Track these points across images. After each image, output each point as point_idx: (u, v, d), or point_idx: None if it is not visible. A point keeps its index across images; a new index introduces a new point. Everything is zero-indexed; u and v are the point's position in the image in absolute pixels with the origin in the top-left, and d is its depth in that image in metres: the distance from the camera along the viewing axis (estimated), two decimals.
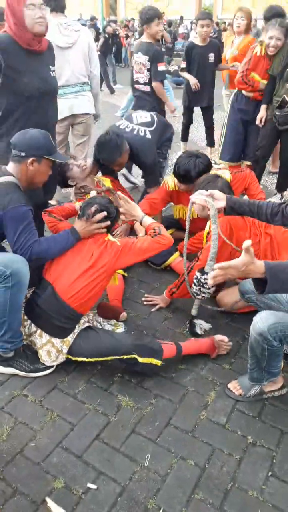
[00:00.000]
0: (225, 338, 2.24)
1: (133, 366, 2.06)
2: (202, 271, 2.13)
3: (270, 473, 1.67)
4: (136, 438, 1.81)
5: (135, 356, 2.01)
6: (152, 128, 3.16)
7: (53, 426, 1.86)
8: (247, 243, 1.40)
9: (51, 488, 1.62)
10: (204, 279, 2.12)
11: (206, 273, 2.10)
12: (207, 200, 1.95)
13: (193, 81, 4.69)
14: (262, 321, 1.72)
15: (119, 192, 2.36)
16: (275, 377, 1.92)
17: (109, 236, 2.16)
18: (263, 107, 3.74)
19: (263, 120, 3.74)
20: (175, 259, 2.93)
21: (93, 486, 1.63)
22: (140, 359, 2.01)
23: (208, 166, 2.72)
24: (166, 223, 3.31)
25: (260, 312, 1.79)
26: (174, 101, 7.21)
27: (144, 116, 3.24)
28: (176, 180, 2.81)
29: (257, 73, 3.74)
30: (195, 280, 2.16)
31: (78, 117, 3.67)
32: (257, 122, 3.79)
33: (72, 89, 3.52)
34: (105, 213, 2.12)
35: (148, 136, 3.11)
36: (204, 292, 2.18)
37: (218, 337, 2.24)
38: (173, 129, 3.51)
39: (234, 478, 1.66)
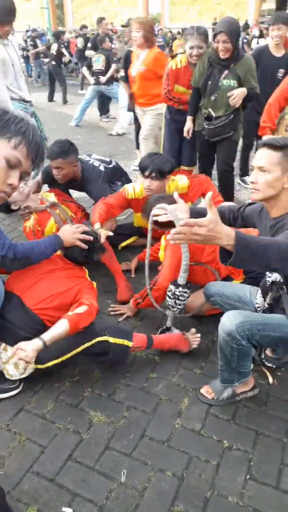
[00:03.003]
0: (193, 329, 2.26)
1: (104, 355, 2.01)
2: (176, 284, 2.11)
3: (248, 476, 1.66)
4: (110, 454, 1.75)
5: (106, 337, 1.98)
6: (107, 165, 3.28)
7: (22, 450, 1.77)
8: (208, 196, 1.36)
9: None
10: (179, 291, 2.10)
11: (181, 285, 2.08)
12: (170, 214, 1.93)
13: None
14: (229, 320, 1.72)
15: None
16: (245, 378, 1.91)
17: (87, 274, 2.27)
18: (188, 119, 3.60)
19: (190, 131, 3.62)
20: (134, 241, 3.25)
21: (69, 510, 1.55)
22: (112, 339, 1.99)
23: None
24: (128, 230, 3.30)
25: (227, 312, 1.78)
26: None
27: (104, 157, 3.41)
28: (146, 182, 2.73)
29: (181, 85, 3.62)
30: (169, 293, 2.13)
31: None
32: (184, 134, 3.66)
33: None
34: (91, 238, 2.24)
35: (101, 168, 3.20)
36: (179, 305, 2.17)
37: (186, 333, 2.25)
38: (127, 178, 3.53)
39: (213, 485, 1.63)
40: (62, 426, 1.87)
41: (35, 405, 1.97)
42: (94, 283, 2.25)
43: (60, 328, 1.89)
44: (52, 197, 3.03)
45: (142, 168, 2.72)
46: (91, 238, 2.27)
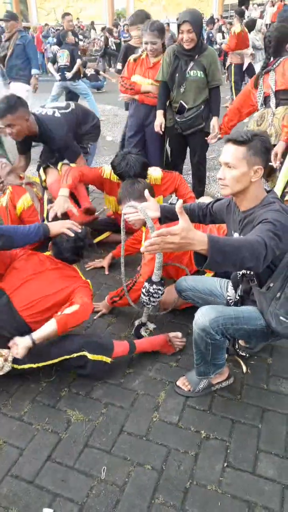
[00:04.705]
0: (179, 334, 2.26)
1: (82, 368, 2.01)
2: (150, 281, 2.12)
3: (226, 464, 1.70)
4: (90, 452, 1.75)
5: (85, 353, 1.96)
6: (63, 111, 3.20)
7: (0, 454, 1.74)
8: (178, 203, 1.37)
9: None
10: (153, 289, 2.11)
11: (155, 283, 2.10)
12: (141, 213, 1.94)
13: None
14: (203, 316, 1.75)
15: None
16: (220, 369, 1.95)
17: (81, 273, 2.25)
18: (159, 113, 3.49)
19: (162, 126, 3.50)
20: (107, 236, 3.26)
21: (49, 511, 1.54)
22: (90, 356, 1.97)
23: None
24: (102, 226, 3.29)
25: (200, 307, 1.81)
26: (96, 106, 7.18)
27: (61, 103, 3.36)
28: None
29: (138, 74, 3.58)
30: (143, 290, 2.15)
31: None
32: (157, 129, 3.51)
33: None
34: (78, 229, 2.22)
35: (57, 115, 3.11)
36: (154, 302, 2.18)
37: (172, 334, 2.25)
38: (97, 118, 3.48)
39: (192, 476, 1.66)
40: (40, 427, 1.86)
41: (12, 408, 1.95)
42: (89, 281, 2.22)
43: (49, 327, 1.89)
44: (35, 179, 3.05)
45: (120, 176, 2.75)
46: (79, 229, 2.23)
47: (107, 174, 2.95)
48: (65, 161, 3.16)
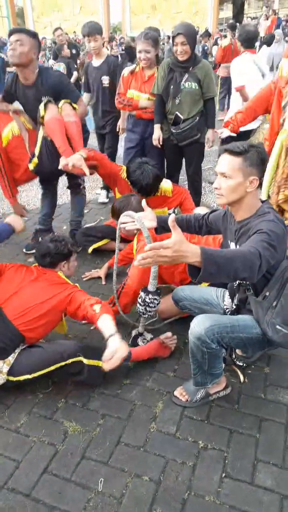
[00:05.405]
0: (169, 334, 2.28)
1: (78, 375, 2.00)
2: (146, 291, 2.13)
3: (224, 474, 1.69)
4: (87, 464, 1.74)
5: (81, 358, 1.96)
6: None
7: None
8: (171, 217, 1.38)
9: None
10: (149, 298, 2.12)
11: (151, 292, 2.10)
12: (137, 223, 1.95)
13: None
14: (198, 325, 1.75)
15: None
16: (218, 378, 1.95)
17: (68, 280, 2.25)
18: (156, 127, 3.55)
19: (160, 140, 3.57)
20: (105, 243, 3.24)
21: None
22: (86, 361, 1.97)
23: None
24: (100, 233, 3.31)
25: (196, 316, 1.81)
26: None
27: None
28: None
29: (133, 88, 3.60)
30: (139, 300, 2.15)
31: None
32: (155, 143, 3.59)
33: None
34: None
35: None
36: (150, 311, 2.19)
37: (162, 336, 2.26)
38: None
39: (190, 486, 1.65)
40: (37, 439, 1.84)
41: (8, 420, 1.94)
42: (78, 285, 2.23)
43: (109, 320, 1.93)
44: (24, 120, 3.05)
45: (132, 183, 2.82)
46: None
47: (125, 175, 3.00)
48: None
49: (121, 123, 4.11)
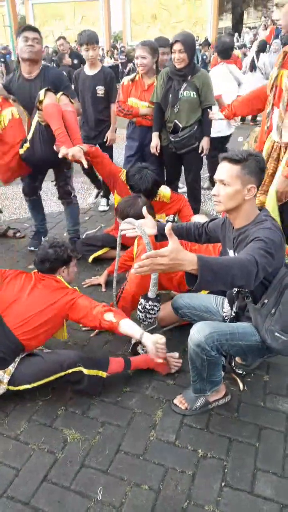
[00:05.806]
0: (175, 355, 2.24)
1: (78, 384, 2.00)
2: (146, 297, 2.14)
3: (223, 483, 1.68)
4: (86, 472, 1.74)
5: (81, 368, 1.96)
6: None
7: None
8: (168, 226, 1.40)
9: None
10: (149, 305, 2.12)
11: (151, 299, 2.11)
12: (138, 230, 1.97)
13: None
14: (198, 332, 1.76)
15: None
16: (217, 386, 1.95)
17: (67, 283, 2.23)
18: (154, 135, 3.60)
19: (158, 148, 3.62)
20: (105, 252, 3.26)
21: None
22: (86, 371, 1.97)
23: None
24: (100, 241, 3.32)
25: (195, 323, 1.82)
26: None
27: None
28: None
29: (133, 97, 3.65)
30: (139, 307, 2.16)
31: None
32: (153, 151, 3.63)
33: None
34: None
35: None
36: (150, 318, 2.19)
37: (168, 354, 2.21)
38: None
39: (189, 495, 1.64)
40: (36, 447, 1.84)
41: (8, 427, 1.93)
42: (77, 288, 2.24)
43: (132, 325, 2.01)
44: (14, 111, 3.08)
45: (131, 187, 2.85)
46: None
47: (124, 178, 3.03)
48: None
49: (109, 134, 4.10)
